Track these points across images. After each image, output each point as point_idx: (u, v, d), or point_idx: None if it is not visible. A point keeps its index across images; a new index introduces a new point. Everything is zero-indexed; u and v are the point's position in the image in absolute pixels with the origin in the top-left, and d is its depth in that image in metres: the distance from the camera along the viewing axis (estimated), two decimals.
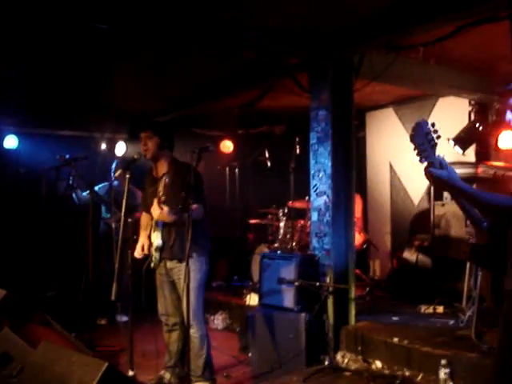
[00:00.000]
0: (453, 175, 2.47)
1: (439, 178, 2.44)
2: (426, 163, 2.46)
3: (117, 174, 6.35)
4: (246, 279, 7.93)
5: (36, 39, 5.36)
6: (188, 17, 5.02)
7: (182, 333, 4.81)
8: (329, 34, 5.53)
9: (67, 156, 6.35)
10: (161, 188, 4.71)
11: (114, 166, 7.53)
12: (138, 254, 4.80)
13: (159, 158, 4.80)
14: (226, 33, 5.30)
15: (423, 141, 2.43)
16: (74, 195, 6.87)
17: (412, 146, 2.44)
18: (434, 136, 2.44)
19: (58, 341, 4.75)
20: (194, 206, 4.46)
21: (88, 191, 6.63)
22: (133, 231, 4.83)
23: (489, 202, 2.53)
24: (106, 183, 7.58)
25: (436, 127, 2.45)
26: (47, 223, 7.80)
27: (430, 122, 2.46)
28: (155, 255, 4.73)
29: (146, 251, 4.79)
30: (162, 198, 4.57)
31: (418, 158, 2.45)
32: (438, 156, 2.46)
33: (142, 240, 4.87)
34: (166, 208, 4.48)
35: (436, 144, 2.44)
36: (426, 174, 2.47)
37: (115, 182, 7.41)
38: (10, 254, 7.69)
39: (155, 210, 4.53)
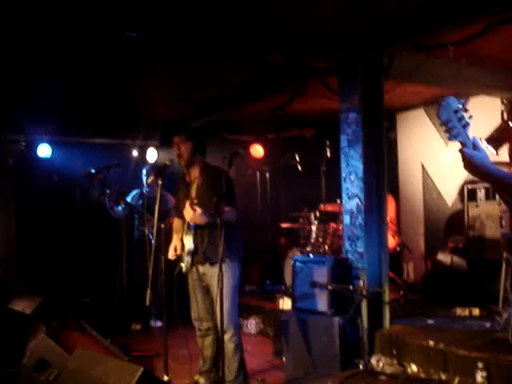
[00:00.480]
0: (486, 159, 2.33)
1: (471, 160, 2.31)
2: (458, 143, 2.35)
3: (149, 180, 6.41)
4: (278, 283, 7.92)
5: (69, 48, 5.43)
6: (214, 21, 5.05)
7: (216, 338, 4.82)
8: (357, 35, 5.51)
9: (92, 170, 6.42)
10: (193, 190, 4.74)
11: (144, 172, 7.60)
12: (171, 255, 4.83)
13: (192, 163, 4.83)
14: (252, 36, 5.31)
15: (451, 117, 2.32)
16: (111, 211, 6.93)
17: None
18: (466, 115, 2.33)
19: (93, 346, 4.82)
20: (227, 208, 4.49)
21: (122, 206, 6.72)
22: (166, 237, 4.87)
23: None
24: (137, 190, 7.64)
25: (466, 106, 2.33)
26: (81, 230, 7.88)
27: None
28: (187, 259, 4.75)
29: (178, 252, 4.81)
30: (195, 201, 4.59)
31: (447, 135, 2.34)
32: (474, 137, 2.34)
33: (175, 242, 4.89)
34: (198, 209, 4.49)
35: (468, 124, 2.32)
36: (460, 154, 2.34)
37: (146, 189, 7.49)
38: (45, 262, 7.82)
39: (188, 212, 4.55)
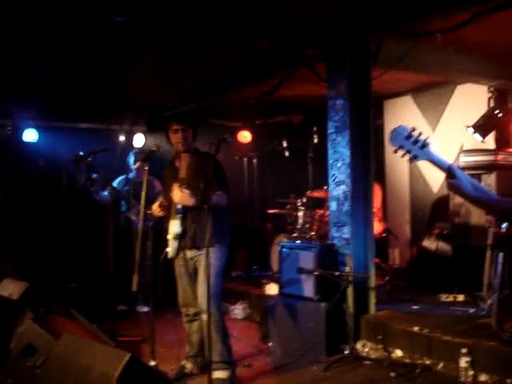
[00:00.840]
0: (463, 182, 2.49)
1: (453, 186, 2.50)
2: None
3: (136, 165, 6.40)
4: (265, 269, 7.97)
5: (55, 32, 5.39)
6: (201, 7, 5.03)
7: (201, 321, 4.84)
8: (345, 22, 5.51)
9: (81, 153, 6.38)
10: (183, 174, 4.73)
11: (131, 158, 7.59)
12: (155, 210, 4.81)
13: (190, 149, 4.86)
14: (239, 22, 5.30)
15: (404, 143, 2.46)
16: (95, 196, 6.90)
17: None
18: (421, 137, 2.47)
19: (80, 332, 4.81)
20: (219, 192, 4.53)
21: (108, 191, 6.71)
22: (152, 222, 4.88)
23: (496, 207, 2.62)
24: (123, 176, 7.64)
25: (419, 131, 2.48)
26: (68, 215, 7.87)
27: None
28: (174, 244, 4.75)
29: (163, 211, 4.79)
30: (184, 184, 4.59)
31: (408, 158, 2.49)
32: (450, 165, 2.49)
33: (160, 200, 4.88)
34: (186, 191, 4.50)
35: (427, 143, 2.47)
36: (446, 182, 2.53)
37: (132, 174, 7.48)
38: (31, 247, 7.79)
39: (176, 193, 4.54)
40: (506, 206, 2.62)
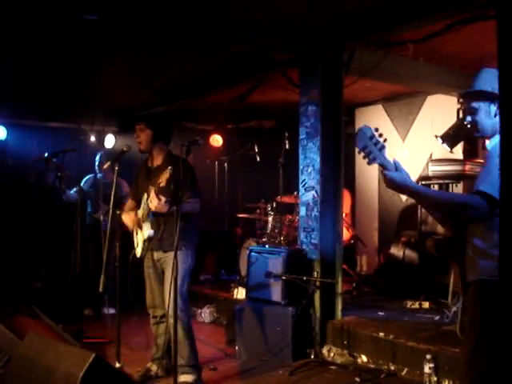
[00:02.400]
0: (405, 177, 2.58)
1: (392, 180, 2.57)
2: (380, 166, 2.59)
3: (106, 165, 6.36)
4: (233, 273, 7.96)
5: (25, 29, 5.33)
6: (175, 9, 5.02)
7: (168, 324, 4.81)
8: (318, 29, 5.55)
9: (49, 153, 6.31)
10: (158, 179, 4.64)
11: (97, 158, 7.55)
12: (128, 222, 4.85)
13: (152, 151, 4.83)
14: (213, 26, 5.31)
15: (367, 144, 2.53)
16: (62, 195, 6.83)
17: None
18: (380, 139, 2.54)
19: (45, 332, 4.76)
20: (193, 200, 4.53)
21: (76, 190, 6.67)
22: (121, 223, 4.85)
23: (439, 200, 2.73)
24: (91, 175, 7.59)
25: (380, 131, 2.55)
26: (35, 215, 7.77)
27: (373, 127, 2.58)
28: (143, 246, 4.73)
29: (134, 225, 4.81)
30: (162, 189, 4.54)
31: (367, 160, 2.56)
32: (394, 160, 2.59)
33: (136, 218, 4.86)
34: (163, 198, 4.46)
35: (384, 147, 2.55)
36: (382, 176, 2.61)
37: (99, 175, 7.44)
38: None
39: (153, 201, 4.50)
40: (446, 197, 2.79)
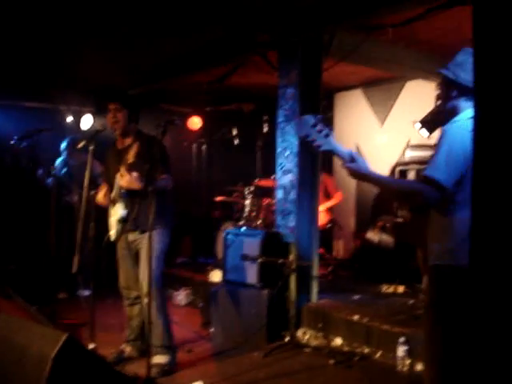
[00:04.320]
0: (360, 166, 2.68)
1: (348, 171, 2.68)
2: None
3: (80, 144, 6.29)
4: (210, 256, 7.94)
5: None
6: None
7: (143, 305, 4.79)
8: (299, 11, 5.52)
9: (12, 142, 6.23)
10: (128, 157, 4.60)
11: (64, 143, 7.44)
12: (100, 199, 4.78)
13: (127, 131, 4.76)
14: (191, 5, 5.24)
15: (309, 132, 2.60)
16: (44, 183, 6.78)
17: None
18: (325, 127, 2.62)
19: (18, 313, 4.71)
20: (163, 176, 4.46)
21: (52, 178, 6.60)
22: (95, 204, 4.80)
23: (391, 188, 2.88)
24: (61, 158, 7.49)
25: (322, 120, 2.64)
26: (9, 196, 7.67)
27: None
28: (117, 228, 4.69)
29: (107, 201, 4.76)
30: (131, 164, 4.50)
31: (313, 146, 2.64)
32: (350, 150, 2.69)
33: (104, 190, 4.81)
34: (134, 173, 4.42)
35: (329, 134, 2.63)
36: (344, 168, 2.72)
37: (63, 157, 7.36)
38: None
39: (124, 177, 4.46)
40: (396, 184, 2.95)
